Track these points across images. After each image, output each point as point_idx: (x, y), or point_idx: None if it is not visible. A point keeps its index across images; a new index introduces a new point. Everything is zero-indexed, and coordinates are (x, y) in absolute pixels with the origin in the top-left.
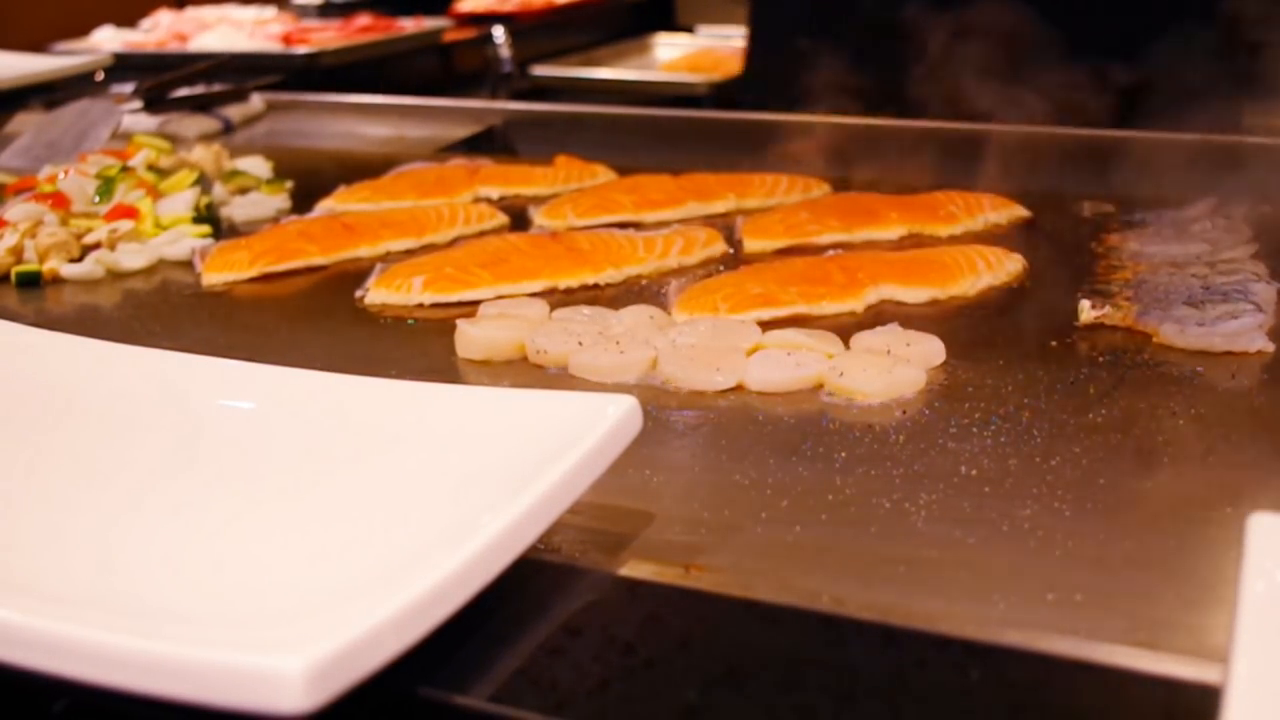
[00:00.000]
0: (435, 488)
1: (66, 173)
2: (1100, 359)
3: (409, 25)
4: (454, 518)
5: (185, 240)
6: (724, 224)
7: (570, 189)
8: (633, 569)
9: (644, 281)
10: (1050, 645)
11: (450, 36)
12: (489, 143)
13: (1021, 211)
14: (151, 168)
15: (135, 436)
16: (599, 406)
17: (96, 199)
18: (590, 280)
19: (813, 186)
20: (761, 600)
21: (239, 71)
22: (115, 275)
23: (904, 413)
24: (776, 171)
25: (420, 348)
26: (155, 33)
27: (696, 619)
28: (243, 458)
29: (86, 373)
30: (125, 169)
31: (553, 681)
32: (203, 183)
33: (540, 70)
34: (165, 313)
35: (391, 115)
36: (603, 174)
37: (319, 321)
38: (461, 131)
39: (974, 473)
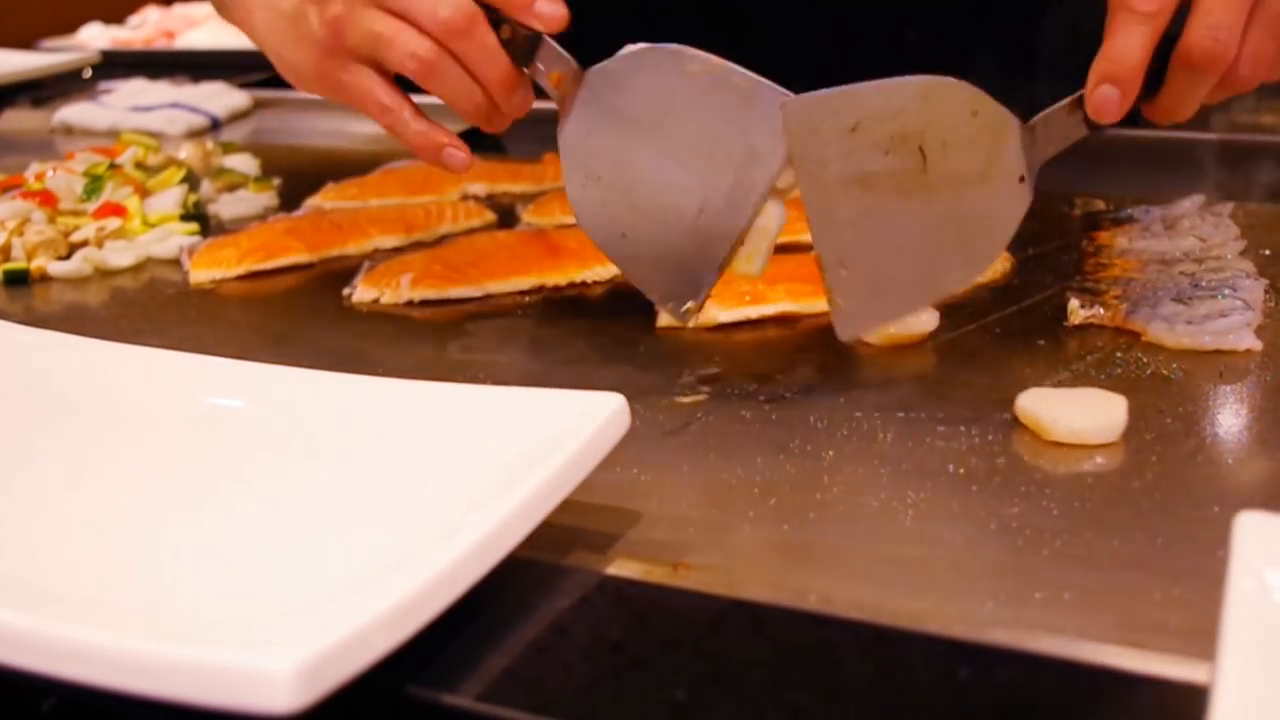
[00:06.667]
0: (423, 486)
1: (54, 170)
2: (1088, 357)
3: None
4: (441, 516)
5: (173, 238)
6: None
7: (558, 187)
8: (620, 568)
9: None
10: (1038, 644)
11: None
12: (477, 140)
13: None
14: (139, 165)
15: (122, 434)
16: (587, 405)
17: (84, 197)
18: (578, 278)
19: None
20: (749, 599)
21: (226, 68)
22: (103, 273)
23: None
24: None
25: (408, 346)
26: (143, 29)
27: (684, 618)
28: (230, 456)
29: (74, 370)
30: (113, 166)
31: (540, 680)
32: (190, 180)
33: None
34: (153, 310)
35: None
36: None
37: (307, 319)
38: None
39: (962, 471)
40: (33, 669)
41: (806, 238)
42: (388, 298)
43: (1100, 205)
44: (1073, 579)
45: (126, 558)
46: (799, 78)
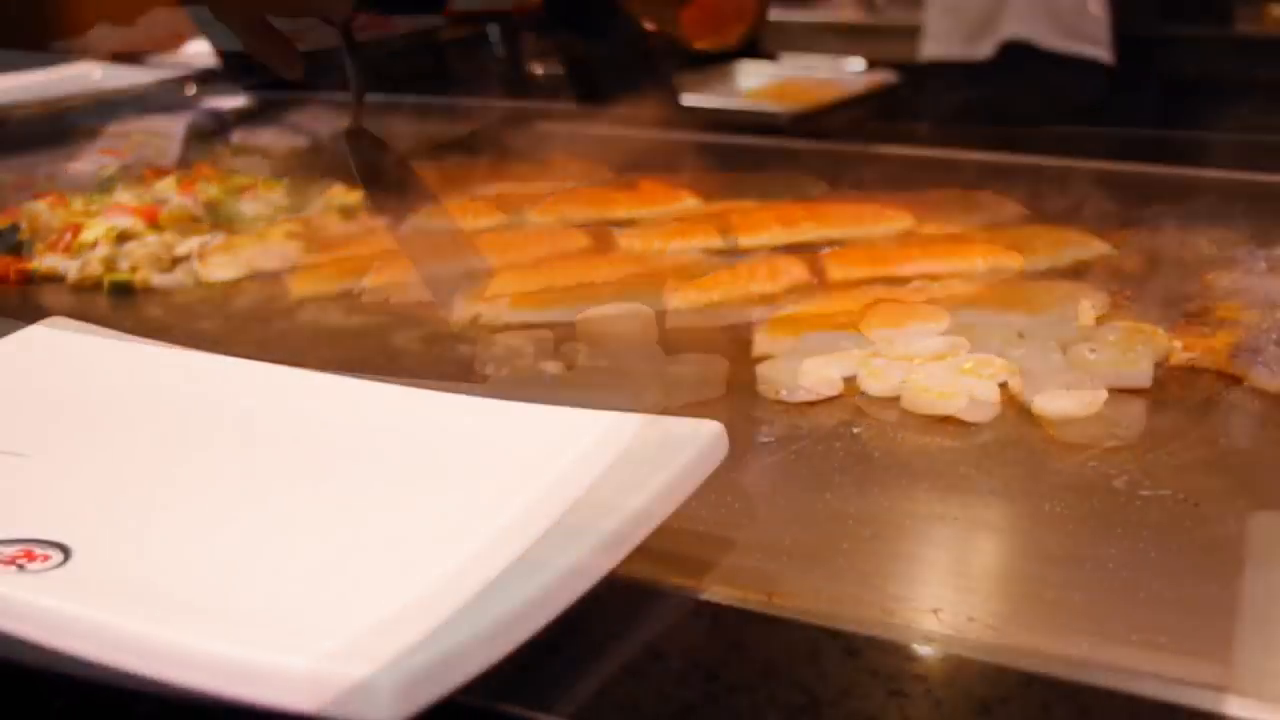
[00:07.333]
0: (524, 508)
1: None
2: (1187, 400)
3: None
4: (541, 539)
5: (274, 252)
6: (809, 252)
7: (655, 213)
8: (715, 594)
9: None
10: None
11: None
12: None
13: (1106, 247)
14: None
15: (211, 443)
16: (687, 431)
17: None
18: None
19: (896, 218)
20: (845, 630)
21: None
22: (205, 286)
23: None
24: (854, 199)
25: (511, 364)
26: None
27: (780, 646)
28: (318, 466)
29: (169, 380)
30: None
31: (635, 703)
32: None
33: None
34: (254, 324)
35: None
36: (688, 199)
37: (410, 334)
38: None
39: (1059, 509)
40: (132, 670)
41: (901, 269)
42: (490, 315)
43: (1206, 246)
44: (1168, 622)
45: (218, 561)
46: None
